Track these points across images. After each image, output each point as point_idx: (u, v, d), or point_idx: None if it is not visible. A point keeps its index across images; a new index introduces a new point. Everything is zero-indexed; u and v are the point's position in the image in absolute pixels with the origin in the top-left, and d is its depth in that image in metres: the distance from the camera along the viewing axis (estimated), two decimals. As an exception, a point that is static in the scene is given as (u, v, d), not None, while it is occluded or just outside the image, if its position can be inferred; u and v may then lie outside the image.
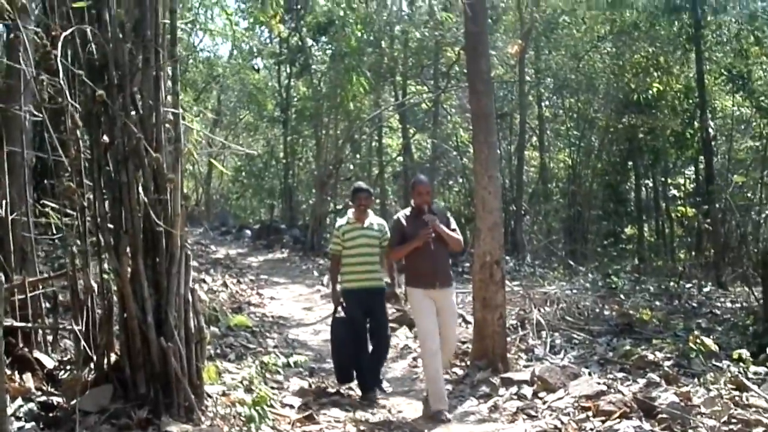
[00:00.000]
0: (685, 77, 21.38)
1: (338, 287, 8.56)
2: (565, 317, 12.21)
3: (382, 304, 8.46)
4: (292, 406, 7.29)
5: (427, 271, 7.60)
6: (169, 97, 6.01)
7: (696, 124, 22.42)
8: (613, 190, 25.14)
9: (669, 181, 25.23)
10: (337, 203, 23.09)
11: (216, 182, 34.61)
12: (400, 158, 24.73)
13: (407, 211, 7.95)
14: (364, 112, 20.18)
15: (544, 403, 7.71)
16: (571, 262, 19.00)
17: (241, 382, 6.93)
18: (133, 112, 5.76)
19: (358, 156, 24.07)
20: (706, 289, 17.05)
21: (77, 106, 5.53)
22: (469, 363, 9.18)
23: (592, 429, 6.75)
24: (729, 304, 15.63)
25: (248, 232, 25.51)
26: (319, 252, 17.21)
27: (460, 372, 9.07)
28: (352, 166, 24.17)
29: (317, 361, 9.79)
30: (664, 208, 25.70)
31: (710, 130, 20.10)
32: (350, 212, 8.45)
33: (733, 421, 7.26)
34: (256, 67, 27.08)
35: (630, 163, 24.83)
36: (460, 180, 22.72)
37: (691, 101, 21.86)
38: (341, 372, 8.40)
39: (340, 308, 8.42)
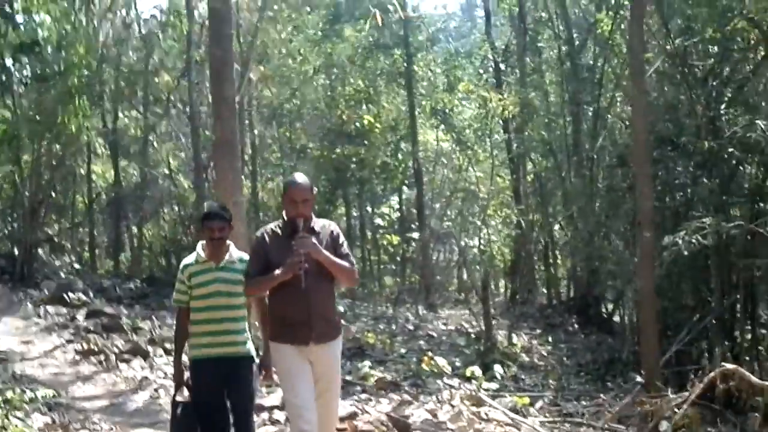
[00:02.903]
0: (396, 109, 22.49)
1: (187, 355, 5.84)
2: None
3: (247, 381, 5.50)
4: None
5: (299, 318, 5.04)
6: None
7: (400, 156, 23.85)
8: (325, 220, 25.72)
9: (374, 210, 26.32)
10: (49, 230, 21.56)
11: None
12: (106, 184, 23.73)
13: (276, 225, 5.30)
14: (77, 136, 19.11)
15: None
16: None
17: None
18: None
19: (68, 181, 22.68)
20: (422, 312, 17.97)
21: None
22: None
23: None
24: (443, 327, 16.61)
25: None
26: (30, 282, 15.93)
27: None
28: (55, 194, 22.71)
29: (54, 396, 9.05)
30: (370, 236, 26.75)
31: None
32: (200, 247, 5.57)
33: (480, 434, 7.75)
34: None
35: (339, 191, 25.56)
36: (175, 207, 22.17)
37: (398, 134, 23.01)
38: None
39: (184, 388, 5.55)
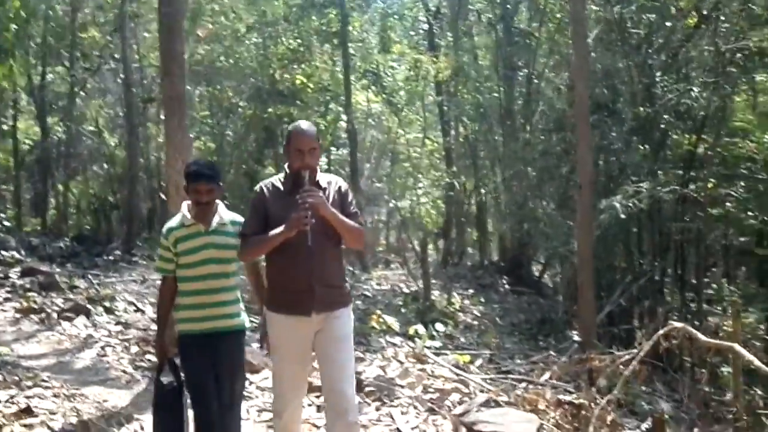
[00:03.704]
0: (330, 70, 22.36)
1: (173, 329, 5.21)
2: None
3: (241, 359, 4.99)
4: None
5: (299, 283, 4.40)
6: None
7: (329, 117, 23.78)
8: (251, 180, 25.57)
9: (303, 171, 26.10)
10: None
11: None
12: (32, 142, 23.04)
13: (277, 179, 4.64)
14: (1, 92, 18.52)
15: (251, 383, 7.75)
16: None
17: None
18: None
19: None
20: (356, 273, 18.08)
21: None
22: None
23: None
24: (377, 287, 16.78)
25: None
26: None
27: (155, 358, 8.77)
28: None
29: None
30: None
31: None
32: (185, 207, 4.90)
33: (430, 390, 7.93)
34: None
35: (268, 151, 25.37)
36: (105, 166, 21.65)
37: (329, 94, 22.91)
38: None
39: (167, 368, 4.95)
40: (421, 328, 10.48)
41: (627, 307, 13.01)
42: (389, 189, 23.05)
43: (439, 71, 20.06)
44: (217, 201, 4.87)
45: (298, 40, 21.12)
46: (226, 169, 23.35)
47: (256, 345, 5.21)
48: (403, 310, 13.85)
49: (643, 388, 8.81)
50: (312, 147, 4.43)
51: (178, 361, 4.92)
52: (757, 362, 5.76)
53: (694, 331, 6.48)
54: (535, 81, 17.68)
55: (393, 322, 10.70)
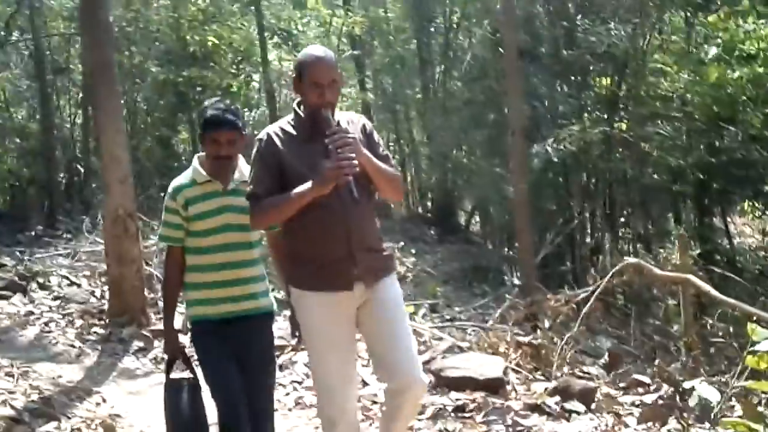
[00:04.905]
0: (245, 30, 21.95)
1: (182, 314, 4.66)
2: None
3: (271, 349, 4.02)
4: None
5: (336, 251, 3.49)
6: None
7: (242, 77, 23.40)
8: (164, 147, 25.07)
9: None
10: None
11: None
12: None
13: (286, 122, 3.63)
14: None
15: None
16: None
17: None
18: None
19: None
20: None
21: None
22: (108, 321, 8.74)
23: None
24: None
25: None
26: None
27: (102, 331, 8.58)
28: None
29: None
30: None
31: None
32: (196, 161, 3.89)
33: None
34: None
35: (182, 116, 24.86)
36: (18, 140, 20.77)
37: (242, 55, 22.52)
38: None
39: (180, 360, 4.01)
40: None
41: (559, 250, 13.28)
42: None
43: (353, 25, 19.92)
44: (239, 157, 3.89)
45: (207, 0, 20.62)
46: (140, 137, 22.84)
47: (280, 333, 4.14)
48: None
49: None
50: (332, 78, 3.49)
51: (192, 354, 3.97)
52: (713, 291, 5.96)
53: (649, 265, 6.65)
54: (455, 30, 17.72)
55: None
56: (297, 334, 3.81)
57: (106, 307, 9.08)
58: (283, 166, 3.49)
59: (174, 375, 3.97)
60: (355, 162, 3.29)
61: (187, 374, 3.97)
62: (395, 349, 3.52)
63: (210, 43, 20.95)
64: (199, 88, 22.57)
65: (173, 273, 3.92)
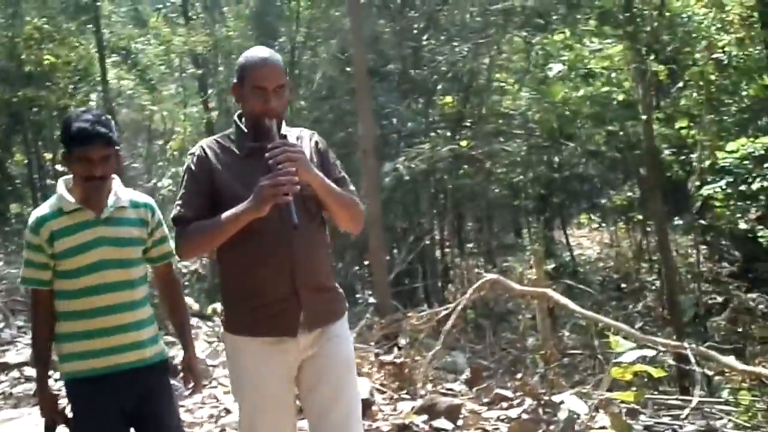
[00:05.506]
0: (83, 49, 21.19)
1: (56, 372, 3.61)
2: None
3: (169, 404, 3.26)
4: None
5: (277, 289, 2.90)
6: None
7: (79, 97, 22.60)
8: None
9: (55, 157, 24.79)
10: None
11: None
12: None
13: (224, 136, 3.05)
14: None
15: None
16: None
17: None
18: None
19: None
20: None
21: None
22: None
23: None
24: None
25: None
26: None
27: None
28: None
29: None
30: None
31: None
32: (62, 186, 3.15)
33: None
34: None
35: (16, 138, 23.77)
36: None
37: (81, 74, 21.79)
38: None
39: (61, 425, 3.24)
40: (219, 306, 10.25)
41: (410, 267, 13.41)
42: (147, 168, 22.31)
43: (194, 45, 19.57)
44: (114, 178, 3.16)
45: (44, 18, 19.80)
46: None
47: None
48: (188, 291, 13.52)
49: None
50: (279, 84, 2.90)
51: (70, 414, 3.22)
52: (572, 304, 6.11)
53: (508, 281, 6.76)
54: (300, 48, 17.65)
55: (191, 302, 10.38)
56: (189, 380, 3.31)
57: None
58: (217, 186, 2.92)
59: None
60: (296, 179, 2.70)
61: None
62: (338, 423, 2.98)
63: (47, 62, 20.20)
64: (35, 108, 21.73)
65: (43, 322, 3.18)
